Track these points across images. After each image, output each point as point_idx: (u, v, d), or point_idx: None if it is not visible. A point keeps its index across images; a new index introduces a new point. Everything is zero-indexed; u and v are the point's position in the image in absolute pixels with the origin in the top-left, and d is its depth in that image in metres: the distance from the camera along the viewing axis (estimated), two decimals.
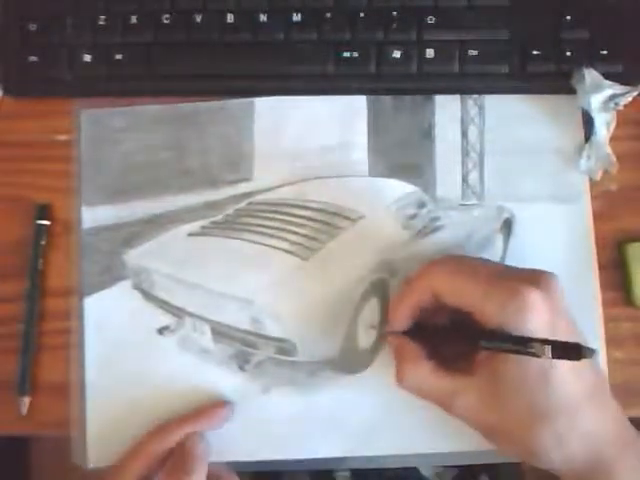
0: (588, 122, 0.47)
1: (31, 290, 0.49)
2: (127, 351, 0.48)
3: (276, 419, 0.47)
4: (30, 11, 0.50)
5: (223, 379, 0.47)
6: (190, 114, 0.50)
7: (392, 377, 0.44)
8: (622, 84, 0.46)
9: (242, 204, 0.50)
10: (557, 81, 0.47)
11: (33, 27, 0.50)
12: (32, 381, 0.48)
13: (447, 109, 0.49)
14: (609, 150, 0.46)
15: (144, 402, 0.47)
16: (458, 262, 0.43)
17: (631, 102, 0.46)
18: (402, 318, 0.43)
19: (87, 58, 0.49)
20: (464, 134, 0.49)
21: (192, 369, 0.47)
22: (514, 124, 0.48)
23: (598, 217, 0.48)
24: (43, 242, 0.49)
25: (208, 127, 0.50)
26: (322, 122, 0.49)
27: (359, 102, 0.49)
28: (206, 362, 0.47)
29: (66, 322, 0.49)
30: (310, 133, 0.49)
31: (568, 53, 0.47)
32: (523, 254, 0.47)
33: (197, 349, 0.48)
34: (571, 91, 0.47)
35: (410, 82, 0.48)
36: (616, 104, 0.46)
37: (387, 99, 0.49)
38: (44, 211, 0.49)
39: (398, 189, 0.49)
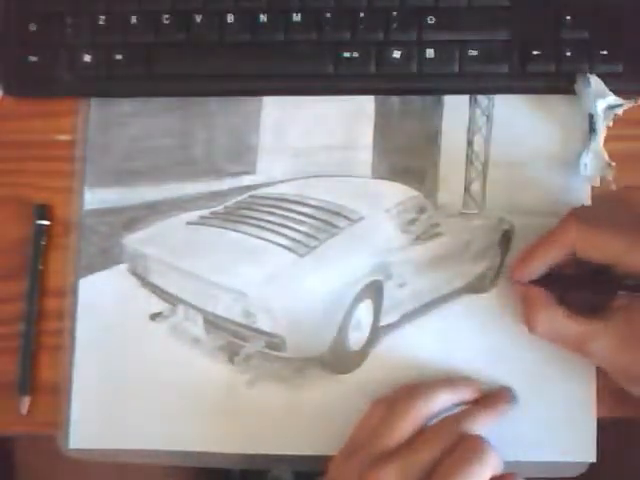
0: (589, 129, 0.47)
1: (31, 290, 0.49)
2: (118, 335, 0.48)
3: (260, 413, 0.47)
4: (30, 11, 0.50)
5: (211, 369, 0.47)
6: (199, 104, 0.50)
7: (380, 379, 0.46)
8: (622, 84, 0.46)
9: (243, 197, 0.50)
10: (557, 81, 0.47)
11: (33, 27, 0.50)
12: (32, 381, 0.48)
13: (455, 116, 0.49)
14: (606, 157, 0.46)
15: (130, 387, 0.47)
16: (597, 213, 0.43)
17: None
18: (535, 271, 0.43)
19: (87, 58, 0.49)
20: (470, 143, 0.49)
21: (181, 357, 0.47)
22: (521, 136, 0.48)
23: None
24: (43, 242, 0.49)
25: (216, 118, 0.50)
26: (329, 121, 0.49)
27: (367, 103, 0.49)
28: (196, 351, 0.48)
29: (66, 322, 0.49)
30: (316, 131, 0.49)
31: (568, 53, 0.47)
32: None
33: (188, 338, 0.48)
34: (570, 91, 0.47)
35: (410, 82, 0.48)
36: (615, 115, 0.46)
37: (395, 101, 0.49)
38: (44, 211, 0.49)
39: (400, 193, 0.49)
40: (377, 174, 0.49)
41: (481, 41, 0.48)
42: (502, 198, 0.48)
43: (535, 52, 0.47)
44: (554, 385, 0.45)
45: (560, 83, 0.47)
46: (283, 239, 0.48)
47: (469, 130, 0.49)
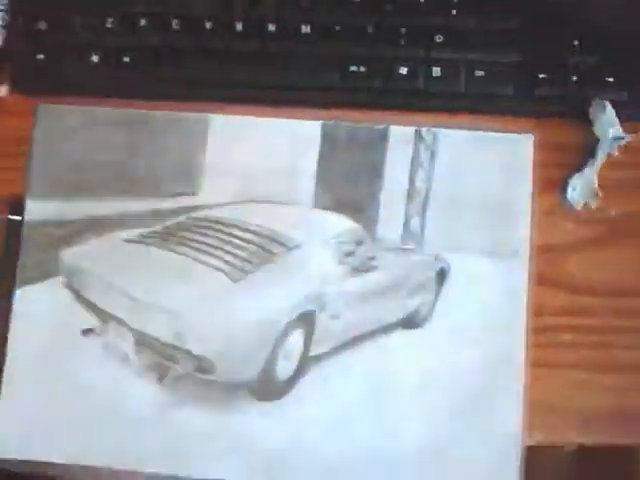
0: (589, 151, 0.47)
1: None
2: (50, 348, 0.47)
3: (186, 435, 0.46)
4: (40, 10, 0.50)
5: (140, 389, 0.46)
6: (146, 120, 0.49)
7: (304, 410, 0.45)
8: (626, 112, 0.46)
9: (183, 217, 0.49)
10: (562, 105, 0.47)
11: (43, 26, 0.50)
12: None
13: (400, 149, 0.48)
14: (596, 184, 0.46)
15: (58, 400, 0.47)
16: None
17: None
18: None
19: (95, 59, 0.49)
20: (412, 178, 0.48)
21: (111, 375, 0.47)
22: (464, 174, 0.48)
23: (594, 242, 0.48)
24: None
25: (161, 136, 0.49)
26: (275, 146, 0.49)
27: (314, 129, 0.49)
28: (126, 370, 0.47)
29: None
30: (261, 155, 0.49)
31: (574, 78, 0.47)
32: (454, 305, 0.47)
33: (118, 356, 0.47)
34: (576, 115, 0.47)
35: (416, 99, 0.48)
36: (619, 146, 0.46)
37: (343, 129, 0.49)
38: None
39: (339, 224, 0.48)
40: (319, 203, 0.48)
41: (488, 62, 0.48)
42: (440, 236, 0.48)
43: (542, 75, 0.47)
44: (484, 420, 0.45)
45: (565, 107, 0.47)
46: (218, 262, 0.47)
47: (412, 164, 0.48)
